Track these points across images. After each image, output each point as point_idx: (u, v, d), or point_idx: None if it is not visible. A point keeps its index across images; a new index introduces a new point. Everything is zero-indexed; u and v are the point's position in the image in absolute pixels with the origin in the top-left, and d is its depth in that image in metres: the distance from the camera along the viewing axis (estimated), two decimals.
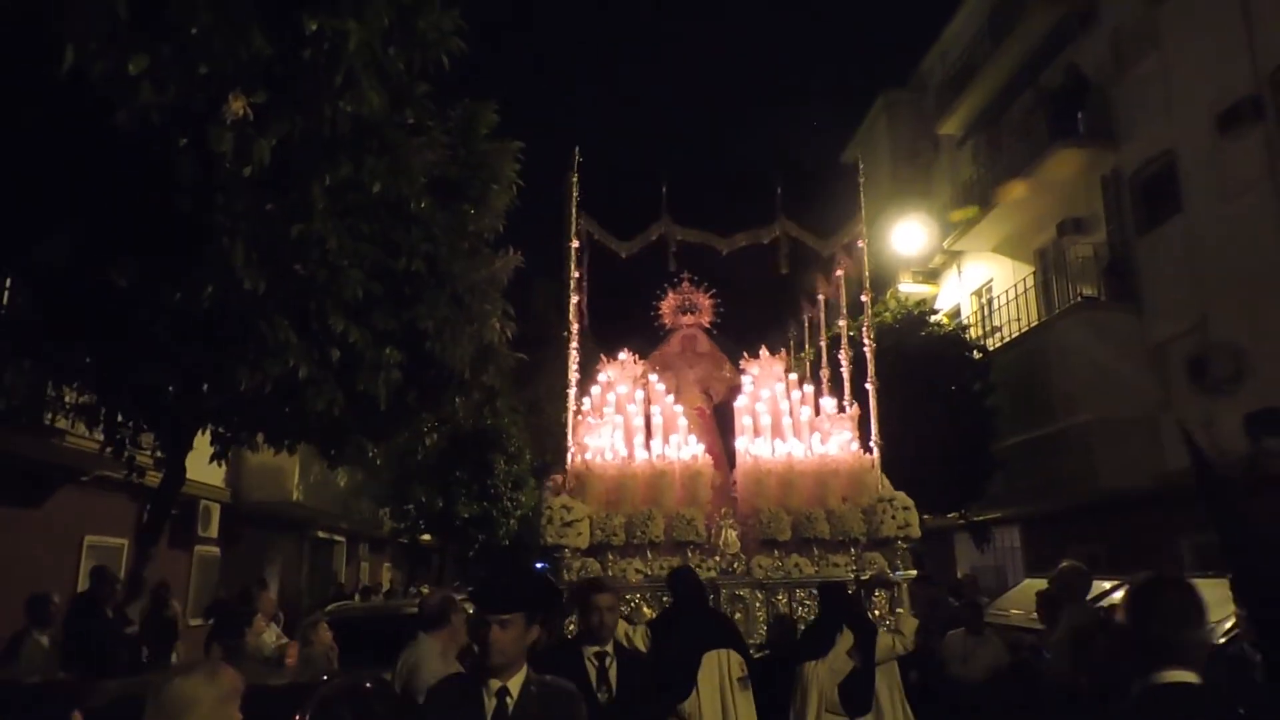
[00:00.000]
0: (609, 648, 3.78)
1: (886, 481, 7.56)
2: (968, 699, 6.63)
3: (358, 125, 3.04)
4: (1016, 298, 16.56)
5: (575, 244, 7.61)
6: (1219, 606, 5.51)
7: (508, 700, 2.58)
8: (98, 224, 3.08)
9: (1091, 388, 13.48)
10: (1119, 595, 7.14)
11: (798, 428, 7.82)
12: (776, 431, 7.63)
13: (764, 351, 8.67)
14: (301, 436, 7.87)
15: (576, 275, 7.59)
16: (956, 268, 20.07)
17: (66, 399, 6.73)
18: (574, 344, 7.37)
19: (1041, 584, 7.05)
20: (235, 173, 2.69)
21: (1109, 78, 14.78)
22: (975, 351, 14.86)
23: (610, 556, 6.67)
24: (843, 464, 7.50)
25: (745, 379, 8.31)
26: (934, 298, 20.50)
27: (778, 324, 11.36)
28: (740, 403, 7.87)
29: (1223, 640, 5.30)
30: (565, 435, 7.24)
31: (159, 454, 7.65)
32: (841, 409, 8.45)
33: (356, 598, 14.95)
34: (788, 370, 8.65)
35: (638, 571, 6.70)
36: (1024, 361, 14.96)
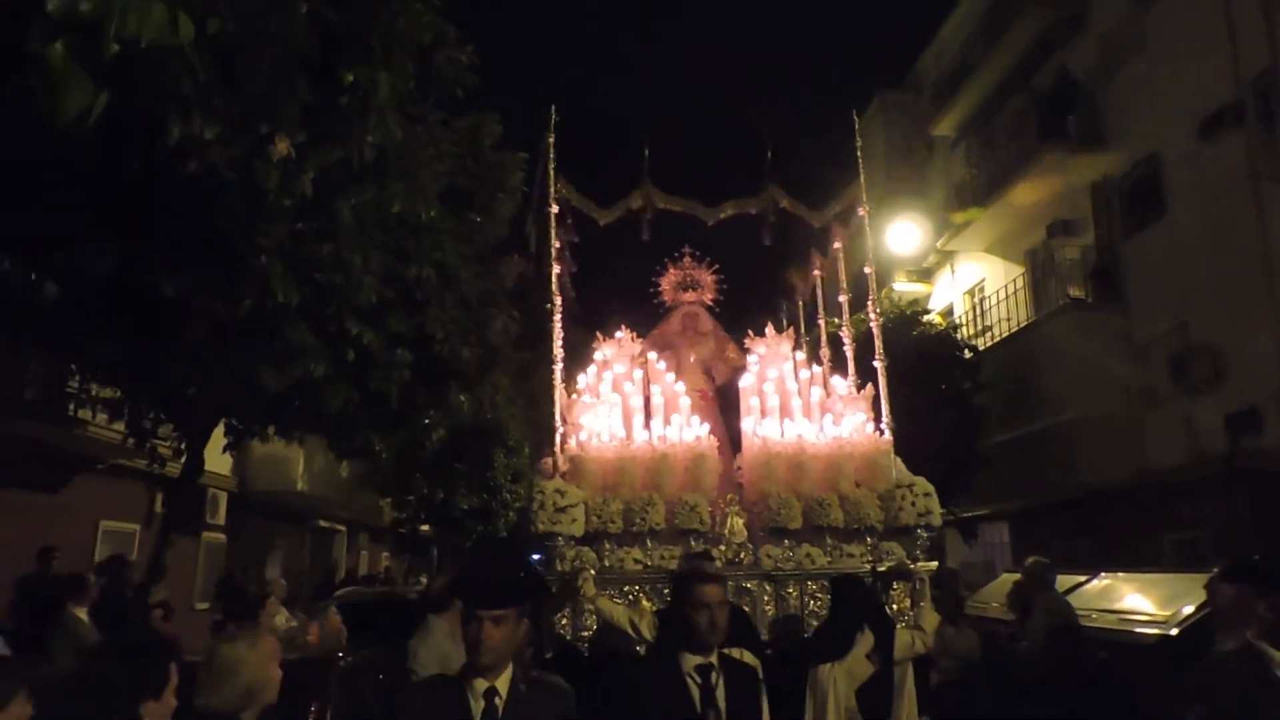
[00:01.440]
0: (714, 658, 2.95)
1: (902, 465, 7.10)
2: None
3: (381, 154, 3.39)
4: (1007, 298, 16.94)
5: (554, 209, 7.08)
6: (1185, 598, 5.91)
7: (496, 701, 2.43)
8: (147, 241, 3.43)
9: (1077, 387, 13.85)
10: (1090, 586, 7.55)
11: (808, 408, 7.34)
12: (785, 413, 7.18)
13: (770, 329, 8.13)
14: (313, 430, 8.24)
15: (558, 245, 7.10)
16: (950, 267, 20.43)
17: (93, 392, 7.09)
18: (558, 316, 6.95)
19: (1018, 577, 7.43)
20: (278, 202, 3.03)
21: (1098, 81, 15.10)
22: (965, 351, 15.25)
23: (607, 545, 6.27)
24: (857, 447, 7.00)
25: (750, 358, 7.80)
26: (927, 297, 20.86)
27: (773, 301, 10.87)
28: (746, 382, 7.40)
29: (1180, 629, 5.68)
30: (553, 415, 6.79)
31: (177, 445, 8.01)
32: (856, 389, 7.96)
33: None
34: (795, 348, 8.15)
35: (636, 561, 6.25)
36: (1013, 361, 15.33)
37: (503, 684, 2.45)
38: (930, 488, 6.82)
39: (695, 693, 2.87)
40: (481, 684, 2.42)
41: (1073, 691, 5.56)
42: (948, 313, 19.73)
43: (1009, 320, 16.74)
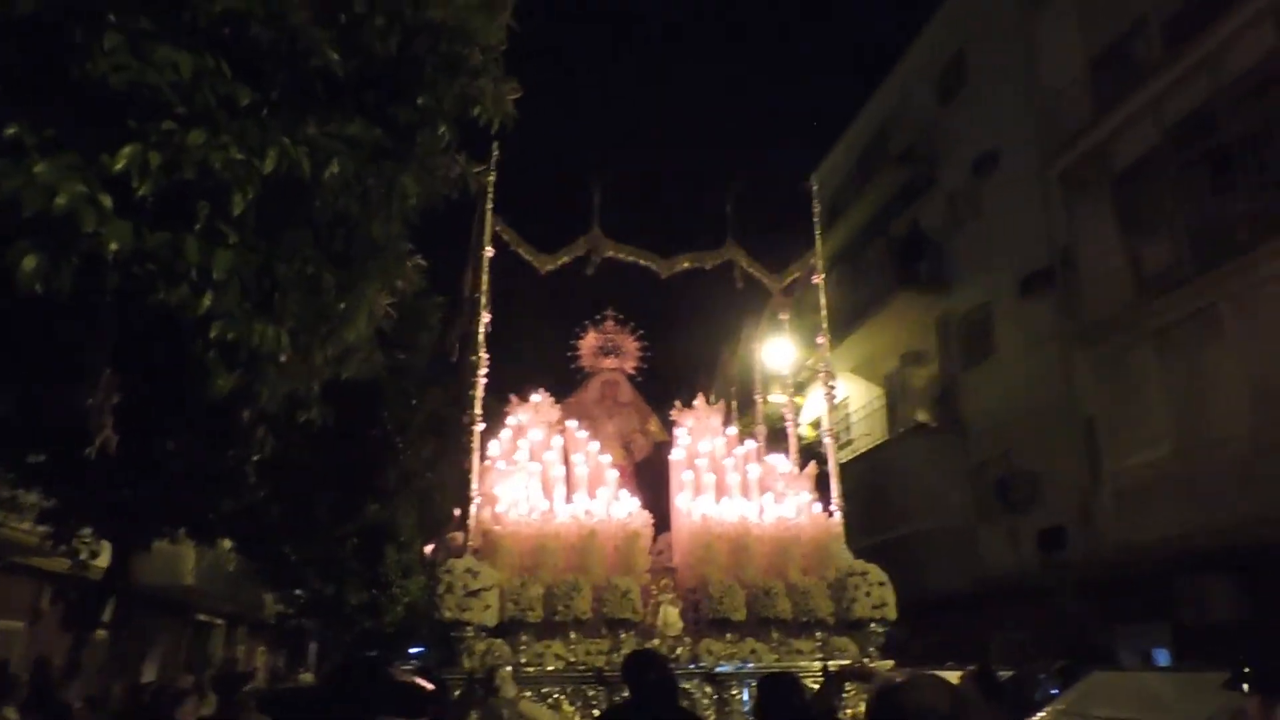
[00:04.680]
0: None
1: (848, 552, 6.54)
2: None
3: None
4: (868, 416, 18.82)
5: (489, 251, 6.45)
6: None
7: None
8: (152, 400, 4.33)
9: (924, 501, 15.61)
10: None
11: (746, 486, 6.70)
12: (721, 490, 6.55)
13: (700, 400, 7.61)
14: (227, 534, 8.88)
15: (488, 292, 6.43)
16: (820, 383, 22.31)
17: (18, 499, 7.62)
18: (483, 371, 6.20)
19: None
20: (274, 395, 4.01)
21: (945, 233, 17.40)
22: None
23: (524, 637, 5.45)
24: (804, 530, 6.37)
25: (679, 430, 7.21)
26: (799, 409, 22.68)
27: (696, 372, 10.68)
28: (677, 456, 6.79)
29: None
30: (469, 484, 5.96)
31: (93, 546, 8.48)
32: (801, 466, 7.48)
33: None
34: (726, 422, 7.58)
35: (558, 657, 5.40)
36: (871, 474, 17.06)
37: None
38: (884, 576, 6.24)
39: None
40: None
41: None
42: (816, 424, 21.55)
43: (869, 436, 18.57)
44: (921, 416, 16.81)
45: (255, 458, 4.66)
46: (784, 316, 8.43)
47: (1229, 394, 9.93)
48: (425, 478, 9.14)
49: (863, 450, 18.29)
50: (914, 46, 18.87)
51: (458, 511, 6.19)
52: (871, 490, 16.75)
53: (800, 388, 23.33)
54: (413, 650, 26.45)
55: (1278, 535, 9.09)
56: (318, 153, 3.04)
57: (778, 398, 22.74)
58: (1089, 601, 12.15)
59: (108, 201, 2.34)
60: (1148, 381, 11.10)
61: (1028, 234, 14.53)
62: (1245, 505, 9.41)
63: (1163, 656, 11.15)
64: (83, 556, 8.18)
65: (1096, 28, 12.88)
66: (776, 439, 16.14)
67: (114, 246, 2.25)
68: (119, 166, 2.32)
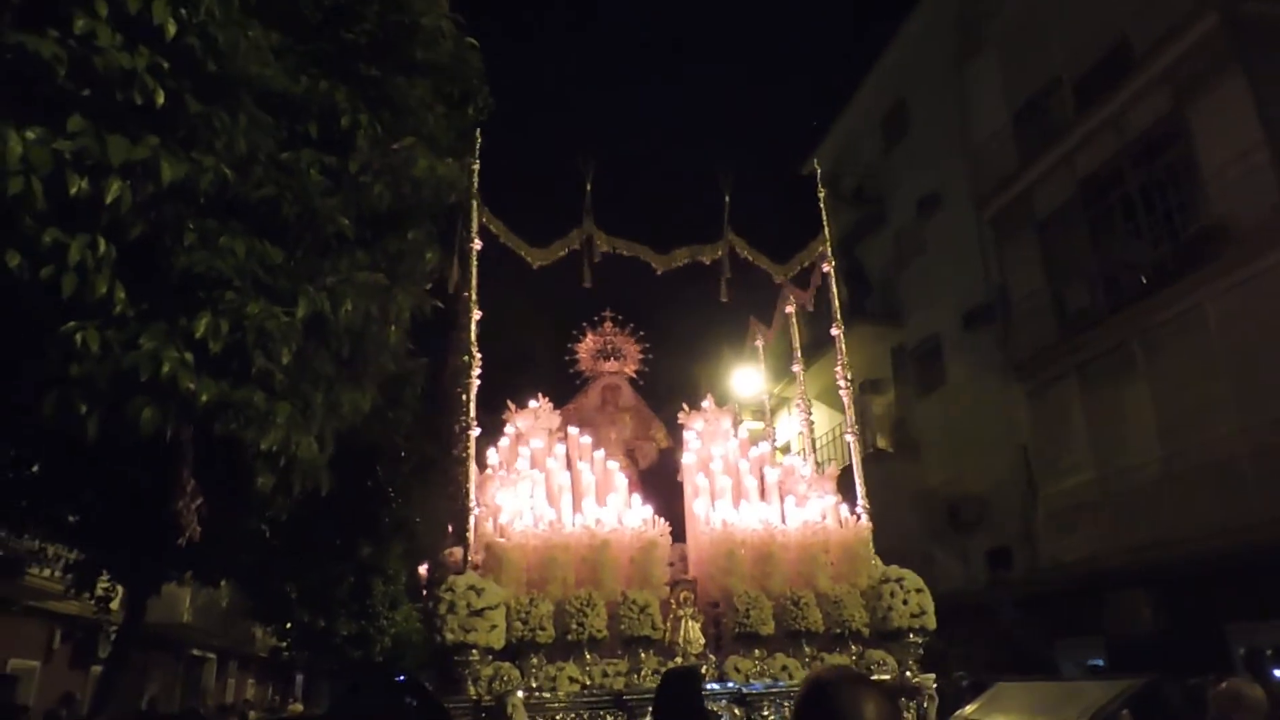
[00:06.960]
0: None
1: (878, 558, 6.17)
2: None
3: None
4: (830, 442, 19.81)
5: (477, 244, 6.14)
6: None
7: None
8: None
9: (880, 522, 16.53)
10: None
11: (764, 490, 6.39)
12: (738, 495, 6.21)
13: (710, 401, 7.33)
14: (230, 576, 9.69)
15: (477, 291, 6.10)
16: (787, 409, 23.35)
17: (49, 552, 8.41)
18: (476, 371, 5.82)
19: None
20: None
21: (894, 269, 18.51)
22: None
23: (534, 660, 5.03)
24: (833, 534, 6.05)
25: (688, 433, 6.88)
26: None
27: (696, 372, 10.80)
28: (688, 460, 6.50)
29: None
30: (467, 494, 5.56)
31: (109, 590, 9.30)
32: (819, 466, 7.12)
33: None
34: (736, 423, 7.40)
35: (572, 680, 5.02)
36: None
37: None
38: (921, 583, 5.87)
39: None
40: None
41: None
42: (785, 449, 22.57)
43: (833, 461, 19.54)
44: (881, 443, 17.84)
45: (269, 515, 5.56)
46: (790, 309, 8.03)
47: (1141, 425, 11.01)
48: (414, 521, 9.99)
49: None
50: (859, 92, 20.05)
51: (450, 528, 5.93)
52: None
53: (770, 413, 24.54)
54: (399, 678, 27.09)
55: (1184, 554, 10.13)
56: (335, 296, 3.98)
57: (751, 424, 23.76)
58: (1033, 616, 13.14)
59: (190, 357, 3.25)
60: (1072, 413, 12.17)
61: (968, 271, 15.63)
62: (1156, 527, 10.46)
63: (1100, 666, 12.15)
64: (104, 602, 9.03)
65: (1017, 84, 14.08)
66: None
67: (205, 399, 3.15)
68: (200, 333, 3.23)
